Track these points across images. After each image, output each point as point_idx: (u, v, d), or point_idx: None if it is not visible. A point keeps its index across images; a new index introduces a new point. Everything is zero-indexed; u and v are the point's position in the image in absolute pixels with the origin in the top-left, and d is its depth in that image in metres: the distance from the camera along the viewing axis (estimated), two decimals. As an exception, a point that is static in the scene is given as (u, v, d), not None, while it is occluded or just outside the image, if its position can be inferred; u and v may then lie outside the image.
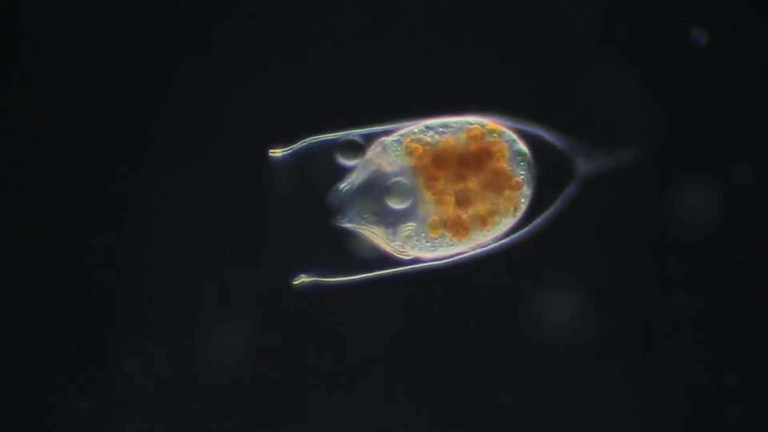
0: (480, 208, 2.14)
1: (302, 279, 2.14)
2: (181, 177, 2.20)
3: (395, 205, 2.14)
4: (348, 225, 2.14)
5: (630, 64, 2.22)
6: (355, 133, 2.18)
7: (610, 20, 2.22)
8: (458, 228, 2.13)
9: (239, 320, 2.19)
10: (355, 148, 2.17)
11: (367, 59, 2.22)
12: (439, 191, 2.13)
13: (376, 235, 2.15)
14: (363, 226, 2.14)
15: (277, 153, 2.17)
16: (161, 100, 2.22)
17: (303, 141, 2.17)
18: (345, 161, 2.17)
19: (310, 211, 2.15)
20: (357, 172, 2.15)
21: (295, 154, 2.17)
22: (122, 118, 2.21)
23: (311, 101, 2.21)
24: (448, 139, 2.15)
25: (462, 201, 2.13)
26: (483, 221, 2.14)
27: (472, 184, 2.13)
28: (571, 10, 2.22)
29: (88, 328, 2.18)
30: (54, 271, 2.18)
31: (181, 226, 2.19)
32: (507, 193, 2.14)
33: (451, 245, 2.15)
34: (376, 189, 2.15)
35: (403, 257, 2.15)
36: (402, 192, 2.13)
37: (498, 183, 2.14)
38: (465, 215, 2.13)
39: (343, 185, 2.14)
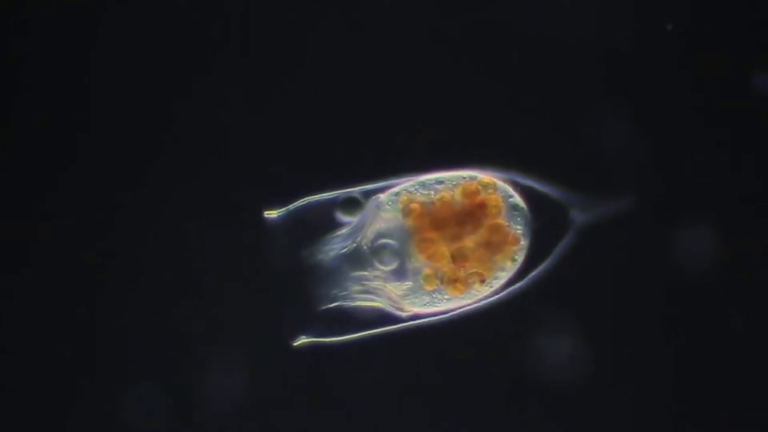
0: (477, 265, 2.13)
1: (302, 340, 2.15)
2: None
3: (383, 267, 2.13)
4: (339, 304, 2.14)
5: (623, 112, 2.20)
6: (355, 191, 2.17)
7: (603, 68, 2.21)
8: (456, 284, 2.13)
9: (238, 378, 2.20)
10: (355, 205, 2.16)
11: (359, 115, 2.21)
12: (431, 253, 2.12)
13: (371, 298, 2.15)
14: (354, 300, 2.14)
15: (272, 214, 2.16)
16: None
17: (298, 202, 2.17)
18: (344, 218, 2.16)
19: (307, 271, 2.16)
20: (346, 233, 2.15)
21: (291, 214, 2.17)
22: (123, 129, 2.22)
23: (303, 158, 2.20)
24: (444, 196, 2.14)
25: (458, 258, 2.12)
26: (481, 277, 2.13)
27: (469, 242, 2.13)
28: (563, 60, 2.20)
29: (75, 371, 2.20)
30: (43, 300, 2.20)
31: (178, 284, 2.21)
32: (505, 248, 2.14)
33: (449, 300, 2.15)
34: (366, 253, 2.15)
35: (402, 314, 2.15)
36: (389, 254, 2.13)
37: (495, 240, 2.13)
38: (462, 272, 2.13)
39: (326, 257, 2.14)
